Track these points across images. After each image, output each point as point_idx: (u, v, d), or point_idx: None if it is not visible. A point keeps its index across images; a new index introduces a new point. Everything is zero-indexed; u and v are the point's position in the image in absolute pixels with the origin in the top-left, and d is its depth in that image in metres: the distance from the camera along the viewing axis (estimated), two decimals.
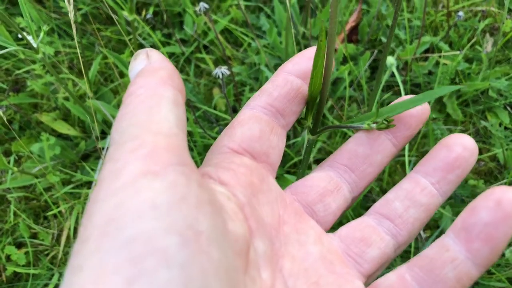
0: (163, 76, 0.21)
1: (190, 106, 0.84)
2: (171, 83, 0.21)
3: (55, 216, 0.86)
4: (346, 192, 0.27)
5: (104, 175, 0.18)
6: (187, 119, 0.87)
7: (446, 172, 0.25)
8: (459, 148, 0.25)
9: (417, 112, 0.26)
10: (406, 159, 0.70)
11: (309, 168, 0.80)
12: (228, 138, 0.25)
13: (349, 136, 0.84)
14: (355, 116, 0.85)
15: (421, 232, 0.77)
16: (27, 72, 0.95)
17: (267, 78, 0.83)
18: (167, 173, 0.17)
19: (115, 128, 0.20)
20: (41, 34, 0.54)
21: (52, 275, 0.80)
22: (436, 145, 0.26)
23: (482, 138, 0.84)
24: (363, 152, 0.27)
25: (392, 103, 0.27)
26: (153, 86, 0.20)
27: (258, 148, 0.25)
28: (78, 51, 0.44)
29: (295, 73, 0.26)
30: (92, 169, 0.84)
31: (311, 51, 0.26)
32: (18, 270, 0.78)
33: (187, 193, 0.17)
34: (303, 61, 0.26)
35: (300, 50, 0.82)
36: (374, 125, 0.27)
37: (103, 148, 0.86)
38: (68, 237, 0.83)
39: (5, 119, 0.49)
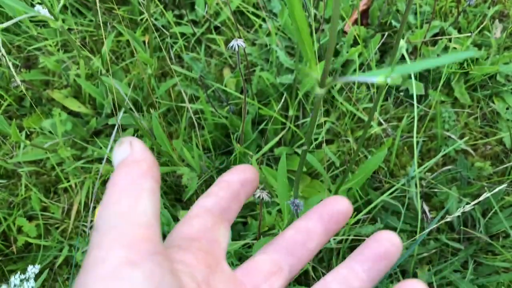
0: (144, 167, 0.24)
1: (202, 84, 0.85)
2: (151, 174, 0.24)
3: (65, 190, 0.87)
4: (286, 273, 0.31)
5: (89, 261, 0.21)
6: (199, 98, 0.88)
7: (375, 262, 0.30)
8: (387, 243, 0.30)
9: (344, 210, 0.31)
10: (414, 140, 0.71)
11: (319, 146, 0.81)
12: (187, 227, 0.29)
13: (358, 118, 0.85)
14: (364, 98, 0.86)
15: (427, 212, 0.78)
16: (39, 49, 0.96)
17: (278, 58, 0.84)
18: (145, 262, 0.20)
19: (100, 215, 0.22)
20: (61, 1, 0.55)
21: (62, 247, 0.81)
22: (369, 237, 0.31)
23: (489, 122, 0.85)
24: (301, 239, 0.31)
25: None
26: (135, 178, 0.23)
27: (212, 237, 0.29)
28: (102, 29, 0.45)
29: (234, 179, 0.31)
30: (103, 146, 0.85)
31: (245, 166, 0.32)
32: (30, 240, 0.79)
33: (161, 282, 0.20)
34: (238, 171, 0.32)
35: (311, 32, 0.83)
36: (389, 80, 0.28)
37: (114, 126, 0.87)
38: (78, 211, 0.84)
39: (24, 90, 0.50)
